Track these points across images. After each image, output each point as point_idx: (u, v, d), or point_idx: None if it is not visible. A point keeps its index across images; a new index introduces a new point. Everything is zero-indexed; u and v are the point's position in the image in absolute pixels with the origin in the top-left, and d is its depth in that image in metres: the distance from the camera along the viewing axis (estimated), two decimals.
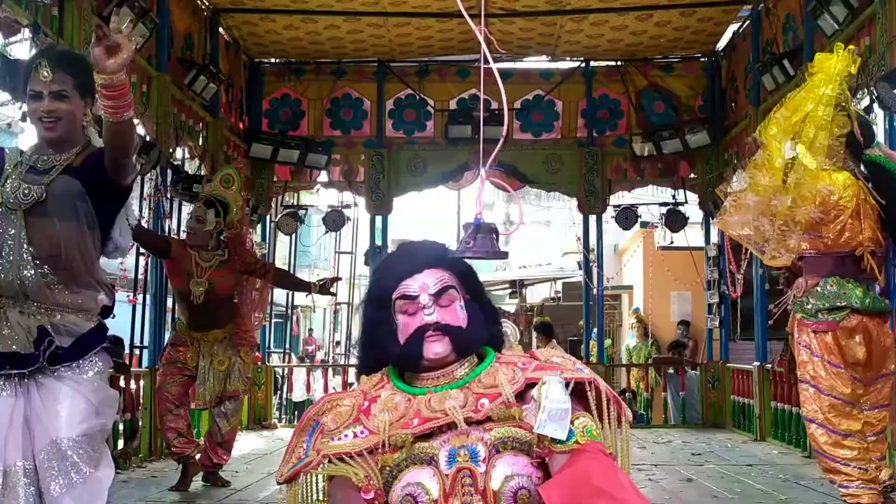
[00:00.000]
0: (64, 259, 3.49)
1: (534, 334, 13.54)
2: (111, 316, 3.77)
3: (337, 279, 8.33)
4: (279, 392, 12.81)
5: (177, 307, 7.51)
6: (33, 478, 3.35)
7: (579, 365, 2.35)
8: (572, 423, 2.18)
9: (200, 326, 7.03)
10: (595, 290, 12.22)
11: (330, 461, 2.22)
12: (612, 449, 2.28)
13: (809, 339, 5.32)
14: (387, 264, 2.45)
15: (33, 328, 3.44)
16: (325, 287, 7.72)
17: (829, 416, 5.15)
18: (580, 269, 13.90)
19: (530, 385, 2.25)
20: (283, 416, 12.49)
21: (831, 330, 5.24)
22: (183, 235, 8.17)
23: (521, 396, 2.26)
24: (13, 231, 3.44)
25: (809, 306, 5.33)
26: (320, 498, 2.27)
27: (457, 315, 2.35)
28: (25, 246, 3.44)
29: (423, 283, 2.34)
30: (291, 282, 8.37)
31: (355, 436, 2.24)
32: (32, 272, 3.44)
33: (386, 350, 2.36)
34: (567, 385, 2.21)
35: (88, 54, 3.16)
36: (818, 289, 5.33)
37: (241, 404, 7.49)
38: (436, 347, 2.29)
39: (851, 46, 5.54)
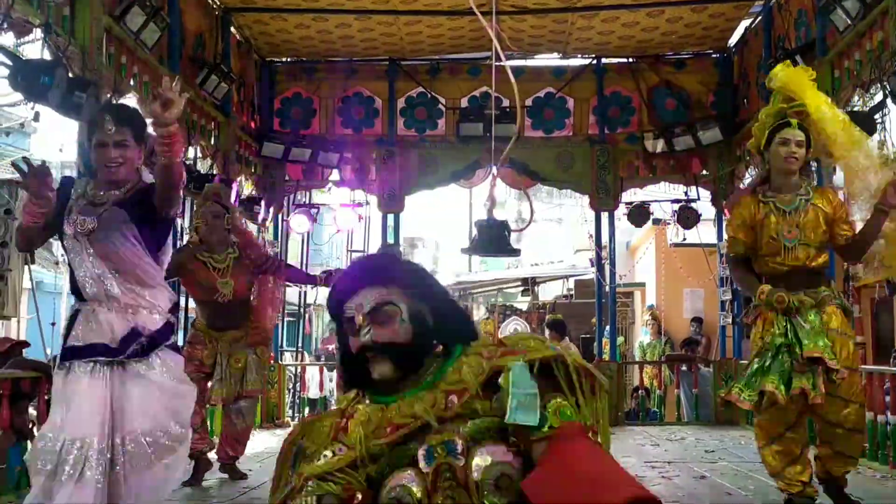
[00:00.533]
0: (127, 271, 4.28)
1: (546, 332, 13.51)
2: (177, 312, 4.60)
3: (338, 270, 8.26)
4: (292, 390, 12.83)
5: (196, 310, 7.59)
6: (105, 456, 3.98)
7: (550, 344, 2.34)
8: (544, 406, 2.17)
9: (219, 327, 7.13)
10: (607, 288, 12.20)
11: (312, 482, 2.24)
12: (590, 420, 2.25)
13: None
14: (334, 288, 2.49)
15: (115, 325, 4.21)
16: (330, 278, 7.55)
17: None
18: (592, 266, 13.86)
19: (498, 373, 2.25)
20: (296, 415, 12.51)
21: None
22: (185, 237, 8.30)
23: (490, 385, 2.26)
24: (85, 252, 4.27)
25: None
26: None
27: (396, 331, 2.35)
28: (97, 262, 4.25)
29: (360, 303, 2.37)
30: (300, 276, 8.33)
31: (334, 454, 2.27)
32: (110, 281, 4.23)
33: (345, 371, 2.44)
34: (532, 368, 2.21)
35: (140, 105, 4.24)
36: None
37: (256, 402, 7.61)
38: (379, 368, 2.32)
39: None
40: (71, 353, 4.19)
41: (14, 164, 4.40)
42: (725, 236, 6.05)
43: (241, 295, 7.22)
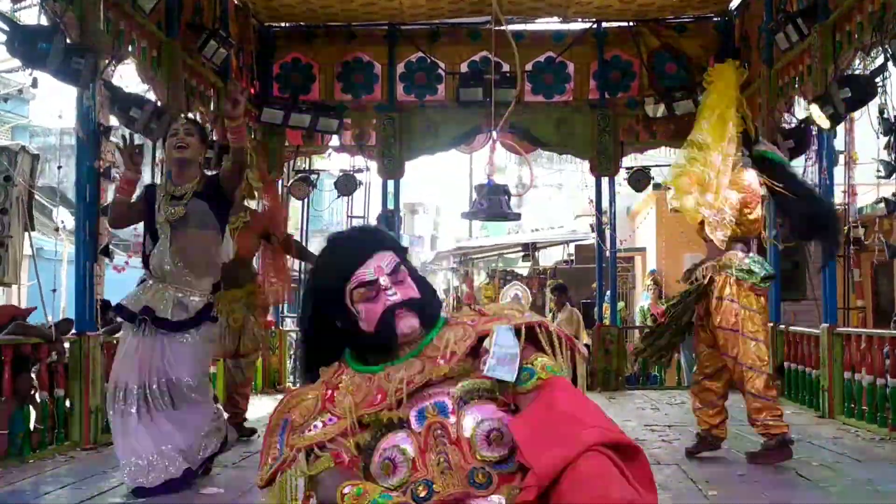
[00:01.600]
0: (192, 259, 5.56)
1: (548, 296, 13.56)
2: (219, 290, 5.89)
3: None
4: (293, 356, 12.87)
5: None
6: (142, 399, 5.33)
7: (529, 313, 2.42)
8: (532, 363, 2.27)
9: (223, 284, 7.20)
10: (608, 253, 12.20)
11: (306, 453, 2.26)
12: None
13: (753, 300, 6.26)
14: (328, 261, 2.46)
15: (169, 300, 5.46)
16: None
17: (764, 366, 6.24)
18: (593, 231, 13.85)
19: (483, 339, 2.31)
20: (297, 381, 12.55)
21: (764, 294, 6.34)
22: None
23: (476, 352, 2.32)
24: (165, 238, 5.52)
25: (755, 274, 6.22)
26: (296, 497, 2.29)
27: (413, 289, 2.41)
28: (171, 249, 5.51)
29: (377, 266, 2.38)
30: (307, 255, 8.53)
31: (324, 424, 2.30)
32: (170, 265, 5.49)
33: (354, 340, 2.41)
34: (517, 332, 2.28)
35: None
36: (753, 262, 6.27)
37: (255, 359, 8.00)
38: (409, 322, 2.35)
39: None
40: (123, 314, 5.53)
41: (116, 146, 5.93)
42: None
43: (244, 256, 7.58)
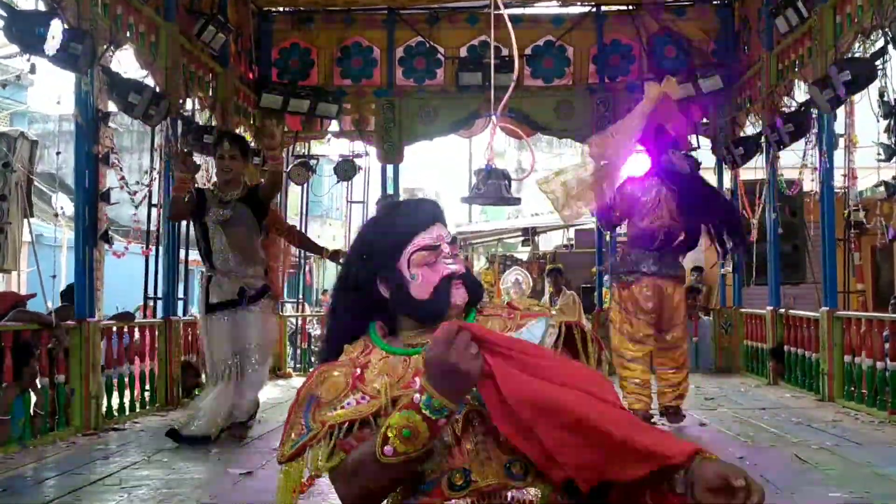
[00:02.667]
0: (243, 252, 6.85)
1: (546, 280, 13.56)
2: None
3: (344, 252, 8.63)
4: (293, 341, 12.90)
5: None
6: (235, 366, 6.76)
7: (554, 311, 2.39)
8: None
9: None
10: (608, 237, 12.20)
11: (333, 433, 2.21)
12: None
13: (616, 294, 7.49)
14: (389, 222, 2.39)
15: (236, 287, 6.81)
16: (336, 255, 8.34)
17: (621, 349, 7.22)
18: (593, 215, 13.84)
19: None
20: (297, 366, 12.58)
21: (627, 287, 7.22)
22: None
23: None
24: (219, 237, 6.80)
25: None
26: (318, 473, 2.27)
27: (462, 264, 2.37)
28: (227, 244, 6.80)
29: (439, 234, 2.34)
30: (308, 244, 8.87)
31: (357, 402, 2.23)
32: (232, 259, 6.82)
33: (404, 303, 2.32)
34: (559, 331, 2.28)
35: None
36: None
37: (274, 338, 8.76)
38: (462, 294, 2.31)
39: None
40: (211, 308, 6.84)
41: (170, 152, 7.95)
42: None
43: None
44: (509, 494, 2.13)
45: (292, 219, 13.94)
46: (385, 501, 2.29)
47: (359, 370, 2.28)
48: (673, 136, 7.27)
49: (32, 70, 7.21)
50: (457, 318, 2.30)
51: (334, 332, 2.45)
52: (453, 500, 2.15)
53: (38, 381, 6.98)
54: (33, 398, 6.97)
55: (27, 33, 6.41)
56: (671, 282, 7.28)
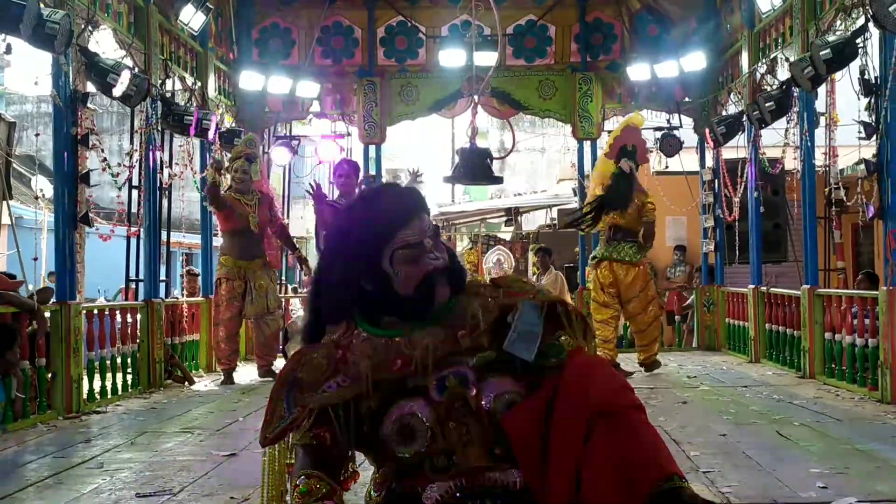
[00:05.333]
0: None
1: (531, 259, 13.57)
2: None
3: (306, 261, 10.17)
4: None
5: (225, 245, 9.56)
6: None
7: (542, 291, 2.40)
8: (558, 339, 2.25)
9: (247, 256, 9.40)
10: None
11: (314, 415, 2.21)
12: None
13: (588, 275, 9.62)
14: (369, 217, 2.33)
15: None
16: (304, 261, 10.18)
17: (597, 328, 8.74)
18: (576, 195, 13.84)
19: (505, 312, 2.27)
20: (282, 346, 12.52)
21: (596, 268, 9.22)
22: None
23: (497, 325, 2.27)
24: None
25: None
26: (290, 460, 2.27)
27: (445, 254, 2.33)
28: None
29: (421, 227, 2.30)
30: (290, 243, 10.47)
31: (339, 385, 2.23)
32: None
33: (388, 299, 2.29)
34: (541, 309, 2.26)
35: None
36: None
37: (279, 315, 10.14)
38: (445, 291, 2.29)
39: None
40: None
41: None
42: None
43: (263, 227, 9.51)
44: (493, 476, 2.14)
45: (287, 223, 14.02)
46: (368, 485, 2.30)
47: (340, 352, 2.26)
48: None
49: (8, 50, 7.08)
50: (441, 308, 2.30)
51: (317, 316, 2.43)
52: (436, 483, 2.15)
53: (18, 364, 6.93)
54: (14, 382, 6.93)
55: (2, 13, 6.32)
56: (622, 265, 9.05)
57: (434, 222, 2.37)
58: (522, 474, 2.12)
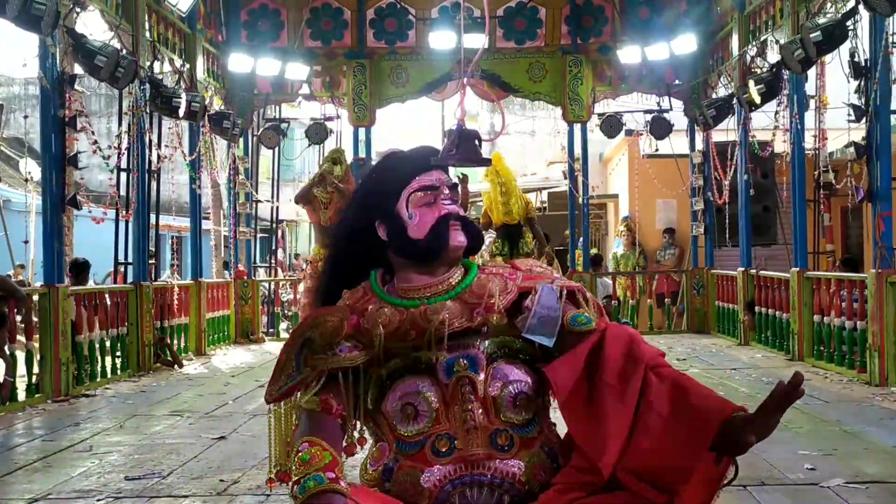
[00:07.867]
0: None
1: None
2: None
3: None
4: (266, 305, 12.88)
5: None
6: None
7: (556, 274, 2.37)
8: (581, 313, 2.23)
9: None
10: (580, 199, 12.22)
11: (323, 378, 2.19)
12: None
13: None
14: (389, 165, 2.38)
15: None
16: None
17: None
18: (565, 178, 13.83)
19: (522, 295, 2.24)
20: (269, 329, 12.55)
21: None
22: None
23: (515, 306, 2.24)
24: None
25: None
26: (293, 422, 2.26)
27: (463, 210, 2.34)
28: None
29: (439, 177, 2.31)
30: None
31: (350, 349, 2.21)
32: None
33: (402, 244, 2.28)
34: (561, 293, 2.23)
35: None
36: None
37: None
38: (460, 236, 2.27)
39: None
40: None
41: None
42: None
43: (332, 223, 9.94)
44: (493, 465, 2.13)
45: (264, 183, 13.94)
46: (365, 458, 2.28)
47: (355, 317, 2.25)
48: None
49: None
50: (455, 265, 2.30)
51: (333, 279, 2.42)
52: (437, 466, 2.14)
53: (6, 347, 6.92)
54: (1, 365, 6.92)
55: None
56: None
57: (451, 179, 2.37)
58: (568, 427, 2.12)
